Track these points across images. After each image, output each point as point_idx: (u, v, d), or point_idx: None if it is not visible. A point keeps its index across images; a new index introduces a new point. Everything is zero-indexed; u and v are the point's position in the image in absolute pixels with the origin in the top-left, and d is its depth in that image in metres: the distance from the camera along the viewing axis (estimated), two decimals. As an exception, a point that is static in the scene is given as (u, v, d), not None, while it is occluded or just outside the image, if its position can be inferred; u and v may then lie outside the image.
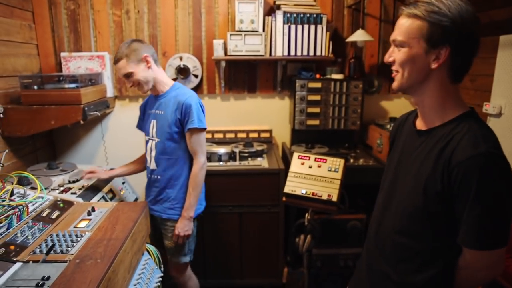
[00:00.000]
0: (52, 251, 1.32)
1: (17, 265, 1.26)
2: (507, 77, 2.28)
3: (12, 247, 1.35)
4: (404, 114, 1.27)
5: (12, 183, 1.74)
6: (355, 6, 2.77)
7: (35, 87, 2.35)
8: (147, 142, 2.07)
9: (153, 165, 2.04)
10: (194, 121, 1.92)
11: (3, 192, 1.61)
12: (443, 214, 1.02)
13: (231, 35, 2.65)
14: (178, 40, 2.87)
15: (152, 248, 1.74)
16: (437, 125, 1.05)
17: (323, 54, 2.68)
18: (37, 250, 1.33)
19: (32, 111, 2.26)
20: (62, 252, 1.32)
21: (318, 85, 2.70)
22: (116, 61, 1.92)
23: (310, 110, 2.75)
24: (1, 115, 2.23)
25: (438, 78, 1.01)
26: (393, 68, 1.06)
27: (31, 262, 1.27)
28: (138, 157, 2.25)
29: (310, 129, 2.79)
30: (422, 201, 1.04)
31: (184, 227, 2.01)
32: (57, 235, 1.42)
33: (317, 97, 2.72)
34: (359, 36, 2.56)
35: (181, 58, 2.87)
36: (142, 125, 2.16)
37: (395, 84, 1.08)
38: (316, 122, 2.77)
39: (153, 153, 2.03)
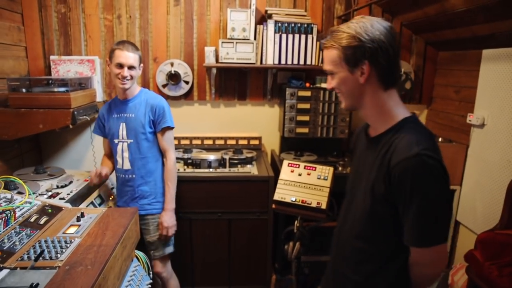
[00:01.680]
0: (40, 258, 1.30)
1: (4, 271, 1.23)
2: (489, 89, 2.36)
3: (-1, 253, 1.32)
4: (364, 124, 1.32)
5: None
6: (344, 17, 2.83)
7: (23, 90, 2.31)
8: (116, 144, 2.16)
9: (126, 165, 2.15)
10: (167, 120, 2.14)
11: (-10, 197, 1.59)
12: (389, 216, 1.09)
13: (222, 42, 2.67)
14: (169, 46, 2.87)
15: (141, 254, 1.73)
16: (382, 132, 1.14)
17: (313, 63, 2.72)
18: (25, 257, 1.31)
19: (20, 114, 2.23)
20: (51, 258, 1.31)
21: (307, 93, 2.74)
22: (131, 49, 2.04)
23: (300, 118, 2.78)
24: (-12, 118, 2.19)
25: (372, 90, 1.11)
26: (336, 92, 1.18)
27: (18, 268, 1.25)
28: (103, 159, 2.34)
29: (299, 137, 2.82)
30: (370, 204, 1.12)
31: (170, 218, 2.17)
32: (45, 241, 1.40)
33: (307, 106, 2.76)
34: (348, 46, 2.61)
35: (172, 64, 2.87)
36: (104, 130, 2.24)
37: (342, 105, 1.20)
38: (305, 130, 2.81)
39: (126, 154, 2.14)
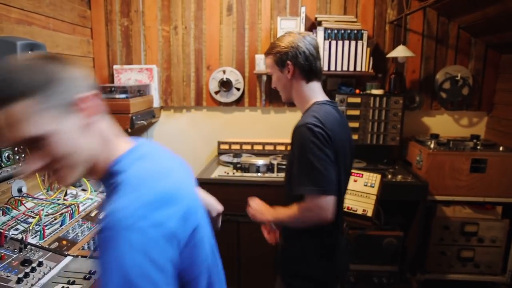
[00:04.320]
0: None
1: (68, 258, 1.38)
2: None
3: (64, 242, 1.48)
4: None
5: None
6: (396, 22, 2.77)
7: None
8: None
9: None
10: None
11: (59, 193, 1.77)
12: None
13: (272, 50, 2.73)
14: (222, 55, 3.00)
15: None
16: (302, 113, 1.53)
17: (363, 69, 2.69)
18: (86, 246, 1.46)
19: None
20: (109, 249, 1.43)
21: (357, 100, 2.71)
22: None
23: (349, 124, 2.74)
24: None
25: (297, 83, 1.50)
26: (277, 89, 1.59)
27: (80, 256, 1.40)
28: None
29: (348, 144, 2.79)
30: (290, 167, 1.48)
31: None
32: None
33: (356, 112, 2.73)
34: (400, 52, 2.56)
35: (224, 72, 2.99)
36: None
37: (283, 98, 1.60)
38: (355, 137, 2.77)
39: None
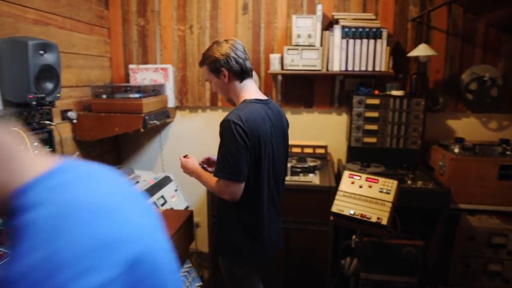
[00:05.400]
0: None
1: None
2: None
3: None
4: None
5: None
6: (419, 19, 2.63)
7: (104, 96, 2.56)
8: None
9: None
10: None
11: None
12: None
13: (288, 49, 2.66)
14: (237, 54, 2.94)
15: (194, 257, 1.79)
16: None
17: (382, 69, 2.57)
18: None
19: (100, 118, 2.46)
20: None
21: (376, 101, 2.59)
22: None
23: (367, 127, 2.64)
24: (75, 121, 2.46)
25: (233, 84, 1.69)
26: (217, 92, 1.81)
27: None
28: None
29: (366, 147, 2.68)
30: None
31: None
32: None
33: (375, 114, 2.61)
34: (421, 50, 2.42)
35: (239, 72, 2.93)
36: None
37: (224, 99, 1.98)
38: (373, 139, 2.65)
39: None
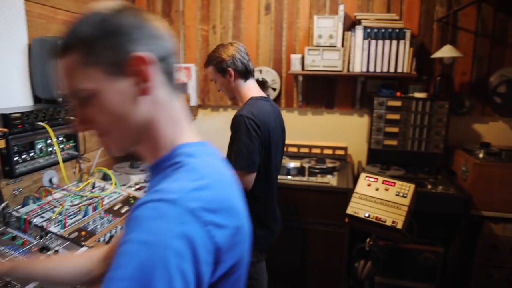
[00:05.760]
0: (112, 241, 1.47)
1: (83, 249, 1.43)
2: None
3: (83, 233, 1.54)
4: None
5: (98, 178, 1.99)
6: (445, 19, 2.55)
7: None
8: None
9: None
10: None
11: (86, 185, 1.85)
12: None
13: (308, 50, 2.65)
14: (259, 54, 2.97)
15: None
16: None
17: (405, 70, 2.52)
18: (101, 239, 1.50)
19: (124, 115, 2.55)
20: (121, 243, 1.46)
21: (398, 103, 2.54)
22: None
23: (388, 129, 2.60)
24: (100, 117, 2.56)
25: (238, 83, 1.80)
26: (222, 91, 1.91)
27: (94, 248, 1.44)
28: None
29: (387, 149, 2.63)
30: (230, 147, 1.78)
31: None
32: (121, 228, 1.58)
33: (396, 116, 2.56)
34: (445, 52, 2.35)
35: (260, 71, 2.96)
36: None
37: (228, 97, 2.07)
38: (394, 142, 2.61)
39: None
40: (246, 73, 1.81)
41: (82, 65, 0.65)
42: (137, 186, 2.14)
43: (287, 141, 2.99)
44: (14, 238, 1.40)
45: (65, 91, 0.68)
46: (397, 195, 1.96)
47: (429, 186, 2.33)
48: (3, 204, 1.52)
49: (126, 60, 0.65)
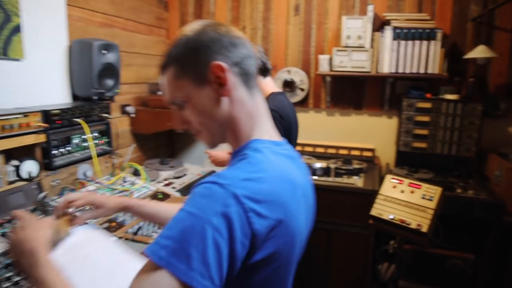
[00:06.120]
0: (139, 233, 1.54)
1: (113, 238, 1.51)
2: None
3: (113, 224, 1.63)
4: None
5: (129, 173, 2.09)
6: (480, 18, 2.47)
7: (160, 92, 2.74)
8: None
9: None
10: None
11: (117, 178, 1.95)
12: None
13: (337, 50, 2.65)
14: (288, 55, 2.99)
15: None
16: None
17: (435, 72, 2.46)
18: (129, 230, 1.58)
19: (155, 113, 2.65)
20: (147, 235, 1.54)
21: (427, 105, 2.49)
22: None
23: (417, 131, 2.55)
24: (133, 115, 2.67)
25: (258, 80, 1.78)
26: None
27: (123, 238, 1.52)
28: None
29: (415, 152, 2.59)
30: None
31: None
32: (148, 221, 1.65)
33: (426, 118, 2.51)
34: (479, 52, 2.28)
35: (289, 72, 2.98)
36: None
37: None
38: (423, 145, 2.56)
39: None
40: (265, 71, 1.93)
41: (176, 78, 0.80)
42: (166, 182, 2.23)
43: (314, 142, 3.03)
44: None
45: (166, 99, 0.84)
46: (423, 198, 1.93)
47: (459, 190, 2.27)
48: (43, 194, 1.64)
49: (207, 69, 0.78)
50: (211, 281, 0.61)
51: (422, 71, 2.48)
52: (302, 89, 2.99)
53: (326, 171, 2.62)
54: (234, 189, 0.66)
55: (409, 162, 2.66)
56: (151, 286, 0.61)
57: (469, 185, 2.36)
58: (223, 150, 2.00)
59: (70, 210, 1.09)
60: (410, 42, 2.47)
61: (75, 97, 2.11)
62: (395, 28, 2.49)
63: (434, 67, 2.45)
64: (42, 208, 1.60)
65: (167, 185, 2.19)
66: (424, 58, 2.46)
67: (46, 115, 1.71)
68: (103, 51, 2.07)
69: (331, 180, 2.54)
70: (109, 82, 2.13)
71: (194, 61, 0.78)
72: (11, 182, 1.60)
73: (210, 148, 0.88)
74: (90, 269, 0.92)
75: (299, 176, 0.83)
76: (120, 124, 2.56)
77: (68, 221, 1.02)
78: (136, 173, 2.20)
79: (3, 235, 1.39)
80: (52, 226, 0.95)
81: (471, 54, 2.33)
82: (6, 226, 1.44)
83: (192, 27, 0.82)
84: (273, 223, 0.70)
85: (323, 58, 2.73)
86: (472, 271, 2.25)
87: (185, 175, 2.44)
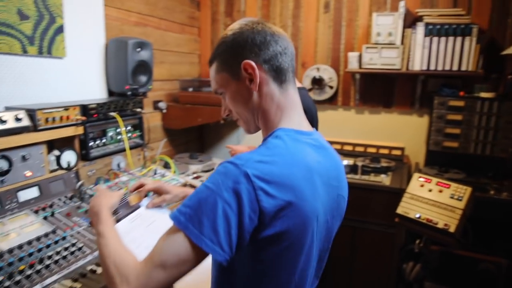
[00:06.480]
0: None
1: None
2: None
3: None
4: None
5: (159, 165, 2.18)
6: (521, 14, 2.37)
7: (191, 89, 2.83)
8: None
9: None
10: None
11: (148, 170, 2.04)
12: None
13: (366, 48, 2.62)
14: (317, 52, 2.99)
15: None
16: None
17: (469, 69, 2.38)
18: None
19: (185, 109, 2.74)
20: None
21: (460, 103, 2.42)
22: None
23: (449, 130, 2.48)
24: (164, 111, 2.77)
25: None
26: None
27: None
28: None
29: (446, 151, 2.52)
30: None
31: None
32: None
33: (458, 117, 2.44)
34: (516, 49, 2.19)
35: (318, 69, 2.98)
36: None
37: None
38: (455, 144, 2.49)
39: None
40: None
41: (218, 72, 0.92)
42: (195, 175, 2.30)
43: (342, 139, 3.02)
44: (87, 211, 1.62)
45: (212, 88, 0.97)
46: (451, 197, 1.89)
47: (492, 192, 2.19)
48: (80, 183, 1.75)
49: (240, 66, 0.88)
50: (220, 246, 0.72)
51: (455, 68, 2.41)
52: (331, 87, 2.98)
53: (353, 169, 2.61)
54: (246, 168, 0.75)
55: (440, 162, 2.60)
56: (171, 243, 0.74)
57: (503, 187, 2.28)
58: (244, 145, 2.02)
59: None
60: (443, 39, 2.41)
61: (110, 93, 2.23)
62: (427, 24, 2.43)
63: (469, 64, 2.38)
64: (79, 196, 1.71)
65: (195, 178, 2.27)
66: (457, 54, 2.39)
67: (84, 109, 1.83)
68: (137, 49, 2.17)
69: (357, 177, 2.53)
70: (142, 78, 2.23)
71: (230, 59, 0.89)
72: (52, 171, 1.72)
73: (247, 133, 0.99)
74: (150, 235, 1.06)
75: (322, 164, 0.89)
76: (152, 119, 2.66)
77: (139, 196, 1.26)
78: (166, 166, 2.29)
79: (45, 218, 1.51)
80: (121, 197, 1.20)
81: (510, 50, 2.24)
82: (47, 211, 1.56)
83: (233, 26, 0.92)
84: (282, 203, 0.76)
85: (353, 56, 2.71)
86: (504, 276, 2.18)
87: (213, 169, 2.51)
